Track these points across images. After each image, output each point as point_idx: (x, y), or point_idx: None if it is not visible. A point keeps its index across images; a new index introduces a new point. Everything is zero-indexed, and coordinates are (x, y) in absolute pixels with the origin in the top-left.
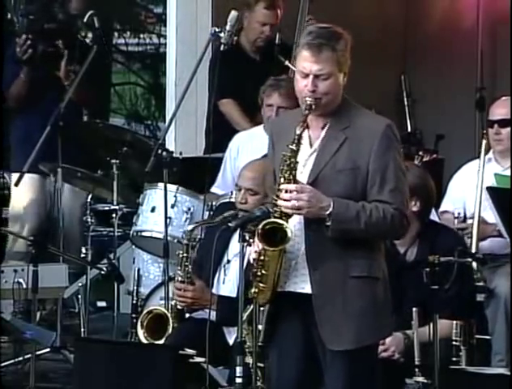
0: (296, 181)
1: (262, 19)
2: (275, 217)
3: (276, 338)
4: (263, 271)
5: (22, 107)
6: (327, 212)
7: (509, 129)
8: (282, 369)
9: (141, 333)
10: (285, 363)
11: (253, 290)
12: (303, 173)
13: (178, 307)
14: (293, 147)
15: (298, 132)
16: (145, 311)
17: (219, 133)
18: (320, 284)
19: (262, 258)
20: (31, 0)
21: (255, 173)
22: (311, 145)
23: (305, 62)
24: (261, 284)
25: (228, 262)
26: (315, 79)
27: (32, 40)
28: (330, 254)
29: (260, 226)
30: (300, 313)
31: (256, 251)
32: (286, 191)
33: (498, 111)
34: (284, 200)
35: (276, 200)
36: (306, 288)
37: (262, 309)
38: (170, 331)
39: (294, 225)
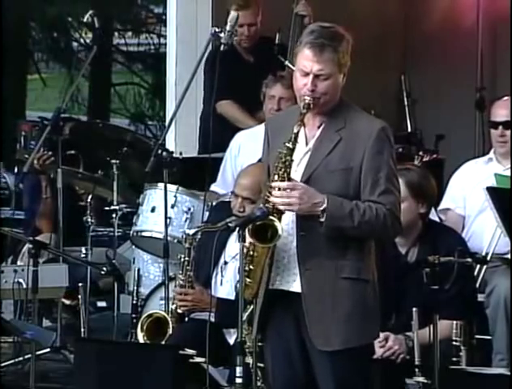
0: (289, 179)
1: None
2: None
3: (269, 337)
4: (251, 267)
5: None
6: (321, 209)
7: None
8: (276, 368)
9: (141, 336)
10: (279, 362)
11: None
12: (297, 172)
13: (179, 311)
14: (289, 145)
15: (295, 131)
16: (145, 315)
17: (218, 134)
18: (310, 284)
19: (251, 253)
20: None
21: (252, 181)
22: (307, 144)
23: (306, 61)
24: (248, 279)
25: (226, 263)
26: (315, 79)
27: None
28: (321, 255)
29: None
30: (292, 311)
31: (246, 246)
32: (278, 189)
33: (502, 112)
34: (276, 197)
35: (268, 197)
36: (297, 287)
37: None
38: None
39: (287, 224)
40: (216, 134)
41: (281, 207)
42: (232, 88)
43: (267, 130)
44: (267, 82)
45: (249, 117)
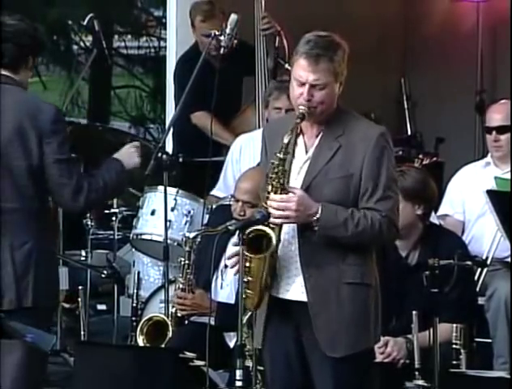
0: (284, 189)
1: (203, 32)
2: (263, 225)
3: (268, 342)
4: (249, 278)
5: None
6: (315, 218)
7: (508, 135)
8: (275, 370)
9: (140, 340)
10: (277, 365)
11: None
12: (297, 180)
13: (178, 314)
14: (280, 155)
15: (285, 141)
16: (145, 318)
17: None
18: (314, 291)
19: (247, 265)
20: None
21: (252, 185)
22: (306, 152)
23: (302, 71)
24: (248, 291)
25: (226, 266)
26: (311, 89)
27: None
28: (324, 261)
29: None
30: (291, 317)
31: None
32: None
33: (496, 117)
34: (273, 208)
35: (266, 208)
36: (298, 294)
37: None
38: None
39: (287, 232)
40: (192, 141)
41: (278, 221)
42: (205, 97)
43: (264, 137)
44: (270, 91)
45: (225, 130)
